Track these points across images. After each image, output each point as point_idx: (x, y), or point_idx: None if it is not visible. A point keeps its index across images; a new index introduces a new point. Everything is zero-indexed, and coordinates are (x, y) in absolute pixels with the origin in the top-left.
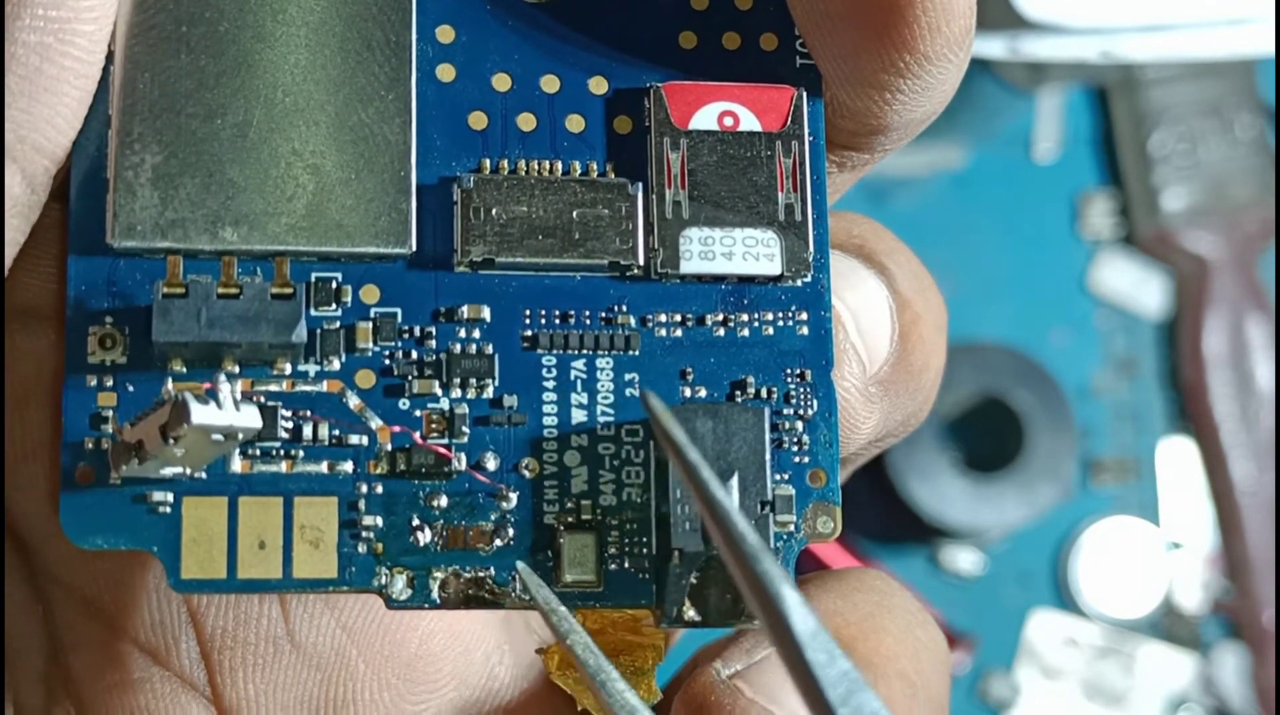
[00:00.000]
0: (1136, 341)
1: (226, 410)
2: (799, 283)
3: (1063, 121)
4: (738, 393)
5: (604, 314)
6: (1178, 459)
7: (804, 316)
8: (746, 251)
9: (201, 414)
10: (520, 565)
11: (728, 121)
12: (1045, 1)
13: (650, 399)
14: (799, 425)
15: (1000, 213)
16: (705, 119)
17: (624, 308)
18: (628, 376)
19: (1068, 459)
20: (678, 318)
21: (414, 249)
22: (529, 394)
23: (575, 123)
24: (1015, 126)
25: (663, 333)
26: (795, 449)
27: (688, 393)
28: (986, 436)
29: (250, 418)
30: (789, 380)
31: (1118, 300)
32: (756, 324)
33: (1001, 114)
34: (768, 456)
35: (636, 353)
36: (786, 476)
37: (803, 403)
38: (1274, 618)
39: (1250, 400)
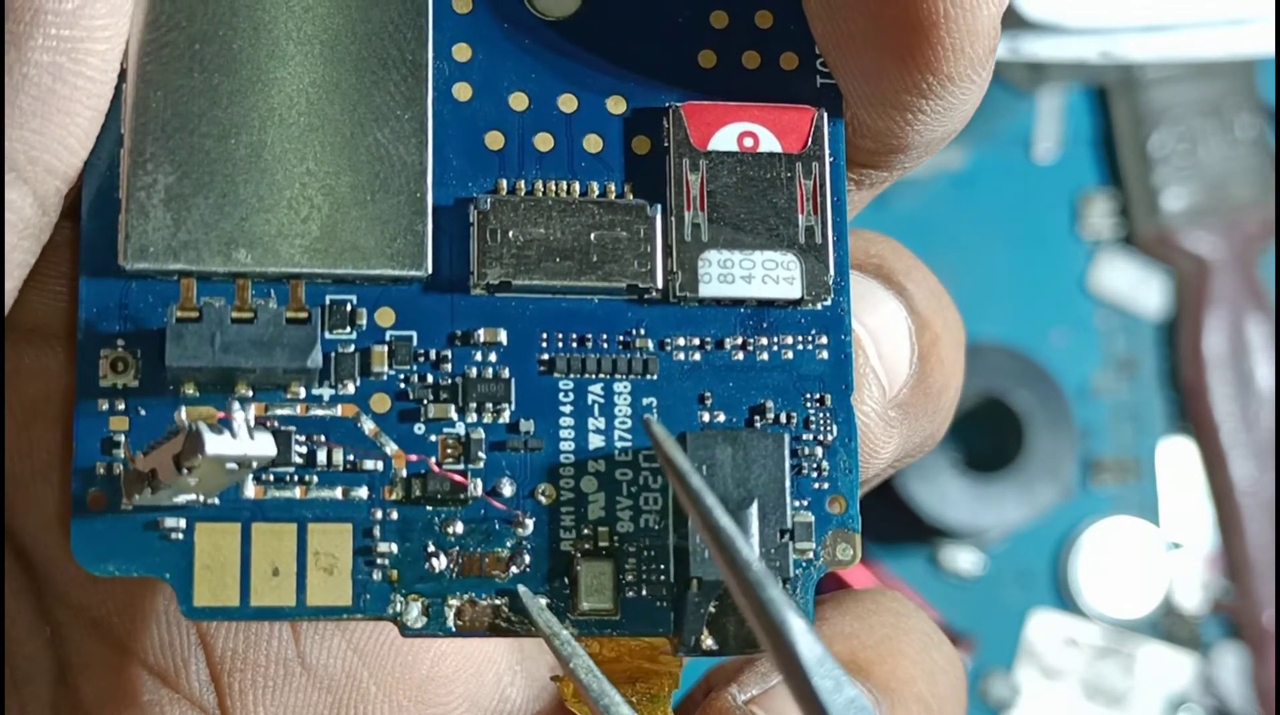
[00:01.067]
0: (1136, 341)
1: (240, 439)
2: (819, 306)
3: (1063, 122)
4: (756, 418)
5: (622, 337)
6: (1178, 459)
7: (824, 340)
8: (766, 274)
9: (216, 444)
10: (522, 589)
11: (748, 142)
12: (1045, 1)
13: (653, 426)
14: (818, 451)
15: (1000, 213)
16: (725, 140)
17: (642, 331)
18: (646, 401)
19: (1068, 459)
20: (696, 341)
21: (430, 271)
22: (546, 419)
23: (593, 143)
24: (1015, 126)
25: (681, 356)
26: (815, 475)
27: (706, 417)
28: (986, 436)
29: (264, 446)
30: (808, 405)
31: (1118, 300)
32: (776, 348)
33: (1002, 114)
34: (787, 483)
35: (654, 377)
36: (806, 503)
37: (822, 428)
38: (1274, 618)
39: (1250, 400)
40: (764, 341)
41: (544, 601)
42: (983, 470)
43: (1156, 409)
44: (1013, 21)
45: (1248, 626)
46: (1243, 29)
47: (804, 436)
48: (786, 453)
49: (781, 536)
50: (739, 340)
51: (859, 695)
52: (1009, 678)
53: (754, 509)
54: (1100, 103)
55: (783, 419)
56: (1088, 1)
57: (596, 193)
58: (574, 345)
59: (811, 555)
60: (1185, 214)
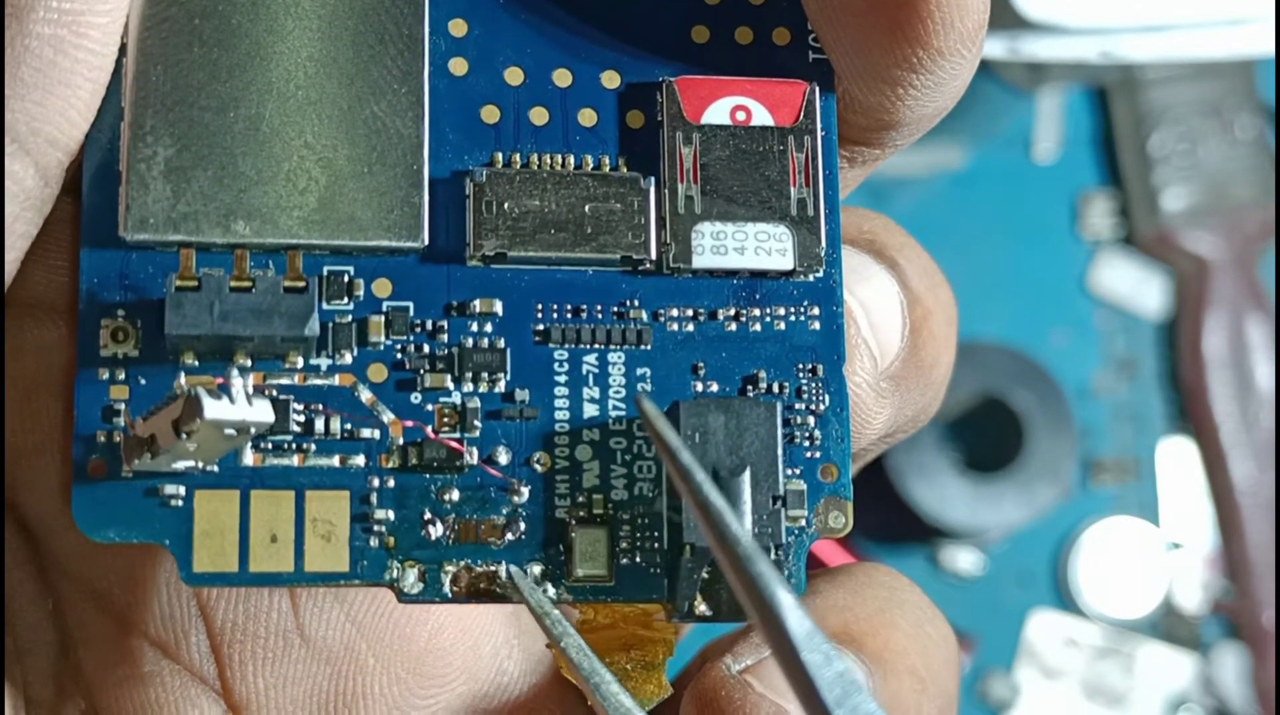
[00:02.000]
0: (1136, 342)
1: (239, 405)
2: (811, 278)
3: (1063, 122)
4: (749, 387)
5: (616, 308)
6: (1178, 459)
7: (816, 311)
8: (759, 246)
9: (214, 409)
10: (512, 568)
11: (740, 116)
12: (1045, 2)
13: (642, 402)
14: (811, 420)
15: (1000, 213)
16: (718, 114)
17: (636, 302)
18: (640, 371)
19: (1068, 459)
20: (690, 312)
21: (426, 243)
22: (541, 388)
23: (588, 117)
24: (1015, 126)
25: (675, 327)
26: (807, 444)
27: (699, 387)
28: (986, 436)
29: (262, 412)
30: (801, 375)
31: (1118, 300)
32: (768, 319)
33: (1001, 114)
34: (779, 451)
35: (649, 347)
36: (798, 471)
37: (814, 398)
38: (1274, 618)
39: (1250, 400)
40: (757, 312)
41: (536, 573)
42: (983, 470)
43: (1156, 409)
44: (1013, 21)
45: (1248, 627)
46: (1243, 29)
47: (796, 406)
48: (779, 421)
49: (774, 503)
50: (732, 311)
51: (848, 669)
52: (1009, 678)
53: (746, 476)
54: (1100, 103)
55: (775, 389)
56: (1088, 1)
57: (591, 166)
58: (569, 316)
59: (804, 522)
60: (1185, 214)
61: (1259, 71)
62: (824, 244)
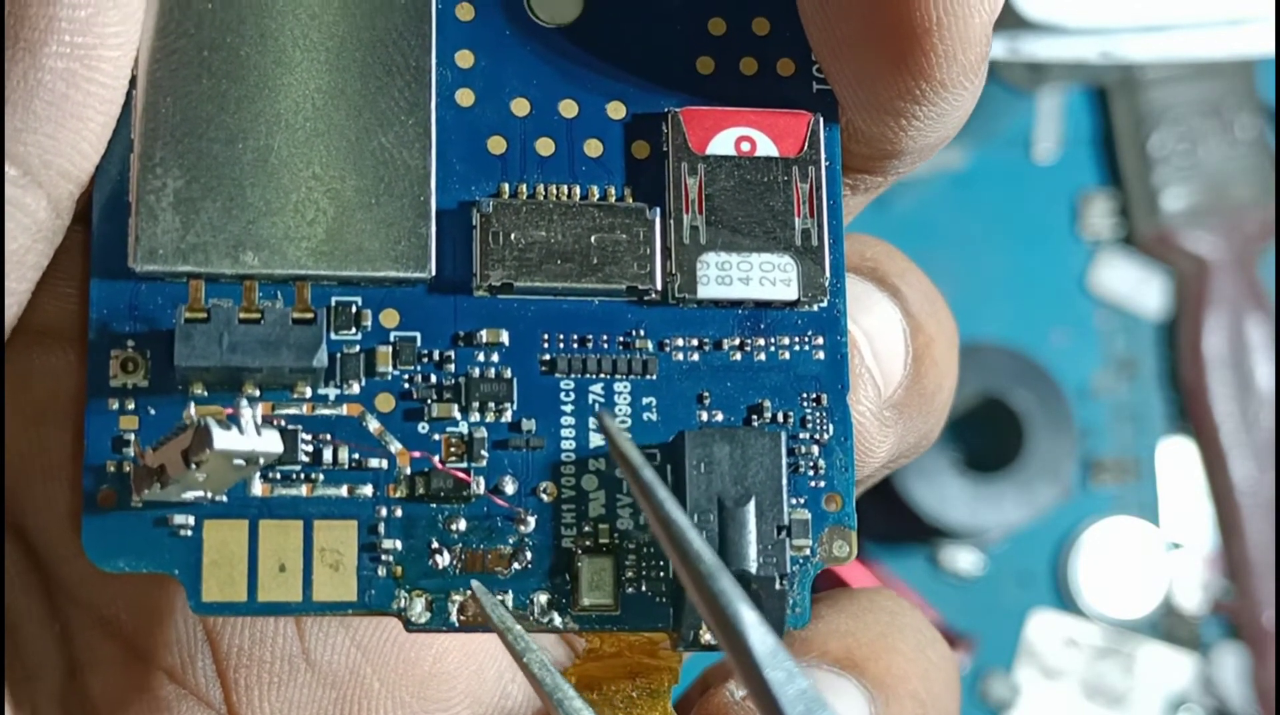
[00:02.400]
0: (1136, 342)
1: (248, 435)
2: (815, 307)
3: (1063, 122)
4: (754, 417)
5: (622, 338)
6: (1178, 459)
7: (820, 341)
8: (764, 276)
9: (223, 439)
10: (475, 584)
11: (745, 147)
12: (1045, 2)
13: (604, 419)
14: (815, 449)
15: (1000, 213)
16: (722, 144)
17: (642, 332)
18: (646, 400)
19: (1068, 459)
20: (695, 342)
21: (433, 273)
22: (547, 418)
23: (593, 147)
24: (1015, 127)
25: (679, 357)
26: (811, 473)
27: (704, 416)
28: (986, 436)
29: (271, 443)
30: (805, 405)
31: (1118, 300)
32: (773, 348)
33: (1002, 114)
34: (784, 481)
35: (654, 377)
36: (803, 501)
37: (818, 427)
38: (1274, 618)
39: (1250, 400)
40: (761, 342)
41: (543, 601)
42: (983, 470)
43: (1156, 409)
44: (1013, 21)
45: (1248, 627)
46: (1243, 29)
47: (801, 435)
48: (783, 450)
49: (779, 533)
50: (736, 341)
51: (810, 686)
52: (1009, 678)
53: (751, 506)
54: (1100, 103)
55: (779, 418)
56: (1088, 1)
57: (596, 196)
58: (575, 346)
59: (808, 552)
60: (1185, 214)
61: (1259, 71)
62: (828, 274)
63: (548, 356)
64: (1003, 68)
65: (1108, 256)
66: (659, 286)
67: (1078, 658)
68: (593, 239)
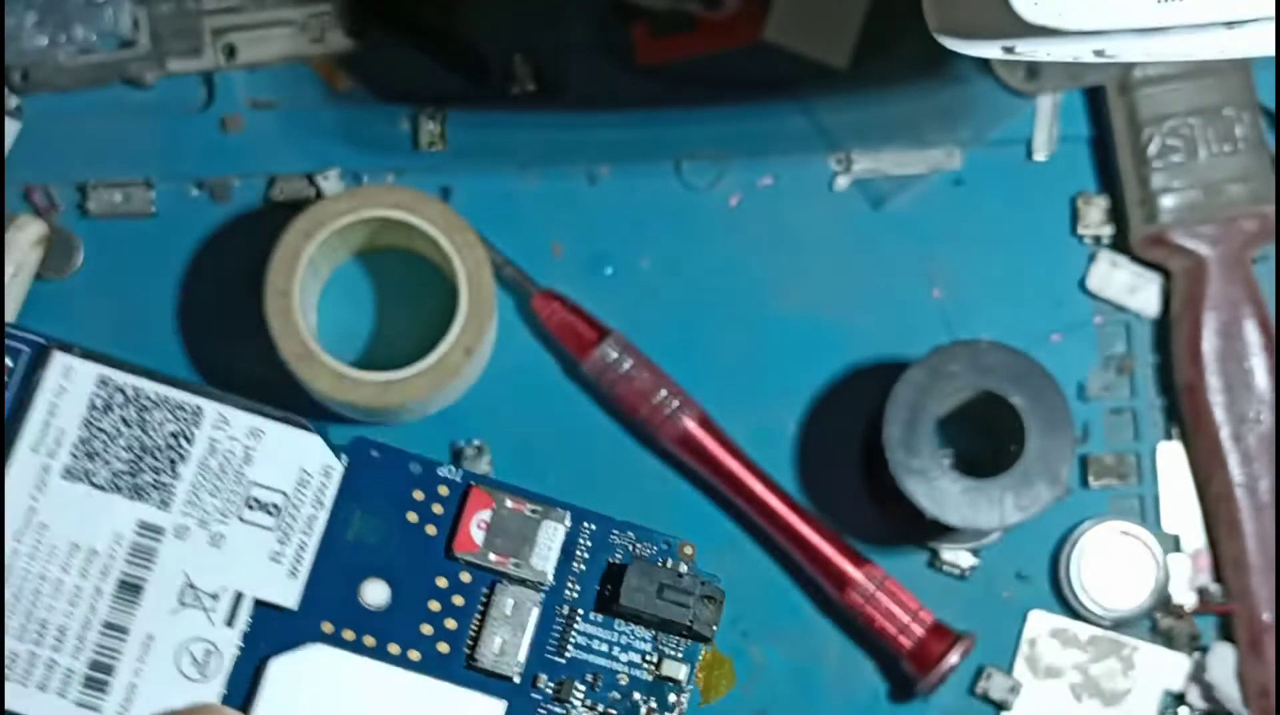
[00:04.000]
0: (1135, 342)
1: None
2: None
3: (1060, 123)
4: None
5: None
6: (1176, 459)
7: None
8: None
9: None
10: None
11: None
12: (1043, 3)
13: None
14: None
15: (998, 214)
16: None
17: None
18: None
19: (1067, 459)
20: None
21: None
22: None
23: None
24: (1013, 128)
25: None
26: None
27: None
28: (985, 436)
29: None
30: None
31: (1116, 301)
32: None
33: (999, 115)
34: None
35: None
36: None
37: None
38: (1274, 617)
39: (1249, 400)
40: None
41: None
42: (982, 470)
43: (1155, 409)
44: (1011, 22)
45: (1246, 627)
46: (1242, 29)
47: None
48: None
49: None
50: None
51: None
52: (1007, 678)
53: None
54: (1098, 104)
55: None
56: (1086, 2)
57: None
58: None
59: None
60: (1183, 215)
61: (1258, 71)
62: None
63: None
64: (1001, 68)
65: (1106, 257)
66: None
67: (1076, 657)
68: None
